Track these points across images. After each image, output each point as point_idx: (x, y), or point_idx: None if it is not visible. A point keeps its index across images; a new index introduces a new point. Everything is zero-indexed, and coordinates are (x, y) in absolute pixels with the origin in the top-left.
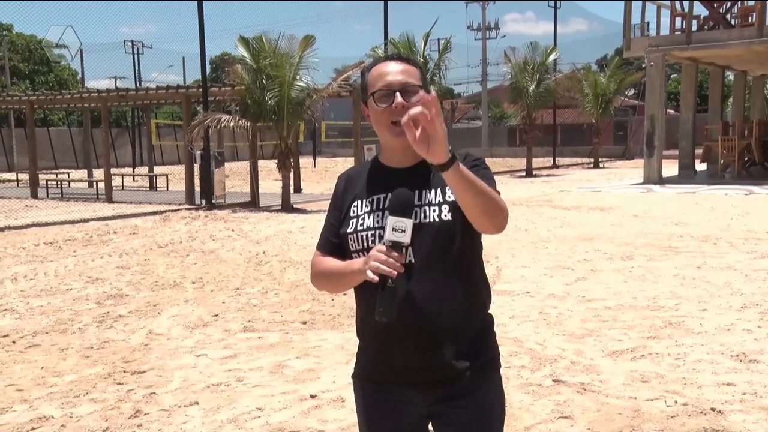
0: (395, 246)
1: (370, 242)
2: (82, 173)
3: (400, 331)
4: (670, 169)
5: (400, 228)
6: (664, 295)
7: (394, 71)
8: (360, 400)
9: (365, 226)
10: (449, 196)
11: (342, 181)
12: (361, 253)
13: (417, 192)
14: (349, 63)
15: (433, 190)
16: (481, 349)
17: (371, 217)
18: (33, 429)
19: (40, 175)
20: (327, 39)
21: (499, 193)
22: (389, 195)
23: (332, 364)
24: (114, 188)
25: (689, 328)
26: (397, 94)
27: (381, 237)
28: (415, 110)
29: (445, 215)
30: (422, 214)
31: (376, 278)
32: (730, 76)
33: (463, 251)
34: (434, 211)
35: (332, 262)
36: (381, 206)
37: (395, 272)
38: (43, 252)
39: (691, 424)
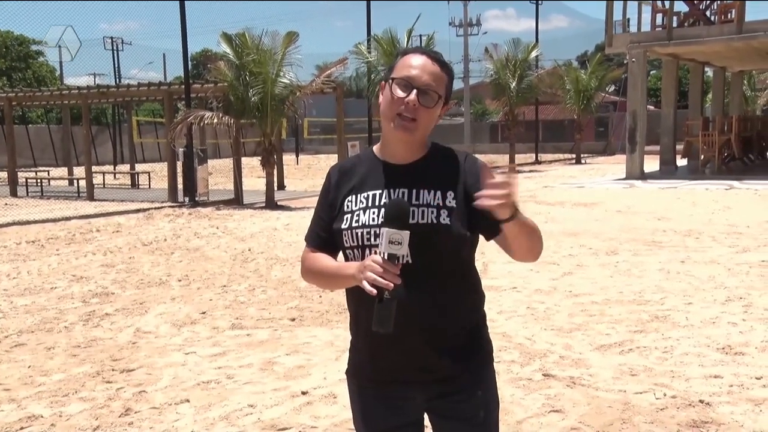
0: (391, 258)
1: (365, 240)
2: (62, 171)
3: (398, 333)
4: (651, 164)
5: (396, 240)
6: (650, 290)
7: (422, 68)
8: (356, 398)
9: (360, 223)
10: (450, 202)
11: (334, 175)
12: (355, 250)
13: (414, 191)
14: (332, 59)
15: (432, 192)
16: (478, 346)
17: (367, 213)
18: (22, 428)
19: (19, 173)
20: (309, 35)
21: None
22: (385, 192)
23: (322, 361)
24: (95, 186)
25: (675, 321)
26: (414, 91)
27: (377, 235)
28: (501, 189)
29: (444, 219)
30: (419, 215)
31: (375, 291)
32: (709, 72)
33: (460, 254)
34: (432, 213)
35: (325, 261)
36: (377, 203)
37: (392, 285)
38: (26, 251)
39: (680, 416)
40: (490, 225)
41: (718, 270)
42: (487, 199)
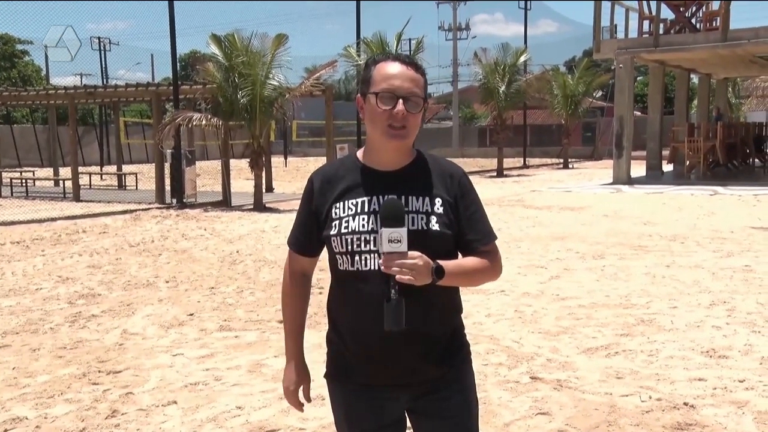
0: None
1: (354, 246)
2: (48, 172)
3: (390, 336)
4: (637, 169)
5: (395, 239)
6: (636, 294)
7: (402, 76)
8: (340, 400)
9: (350, 229)
10: (438, 209)
11: (317, 181)
12: (345, 256)
13: (404, 197)
14: (320, 62)
15: (420, 198)
16: (459, 345)
17: (356, 220)
18: (6, 430)
19: (3, 173)
20: (298, 38)
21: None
22: (374, 198)
23: (310, 363)
24: (81, 187)
25: (661, 325)
26: (400, 101)
27: (367, 241)
28: (400, 276)
29: (433, 225)
30: (410, 221)
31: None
32: (695, 79)
33: (447, 259)
34: (422, 219)
35: (292, 311)
36: (367, 209)
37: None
38: (10, 251)
39: (665, 418)
40: (464, 244)
41: (702, 274)
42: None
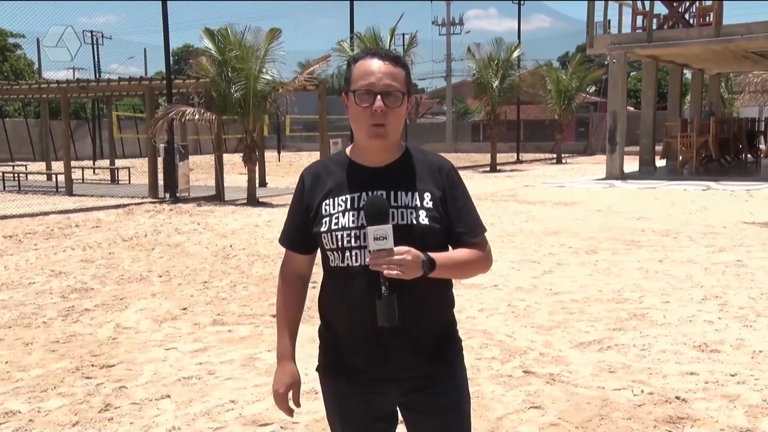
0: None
1: (345, 242)
2: (40, 166)
3: (382, 331)
4: (630, 164)
5: (381, 236)
6: (629, 288)
7: (380, 72)
8: (331, 393)
9: (339, 226)
10: (427, 203)
11: (308, 178)
12: (335, 252)
13: (393, 193)
14: (314, 57)
15: (409, 193)
16: (451, 341)
17: (346, 216)
18: (0, 424)
19: None
20: (292, 32)
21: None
22: (362, 195)
23: (304, 357)
24: (74, 181)
25: (653, 319)
26: (379, 97)
27: (357, 237)
28: (388, 271)
29: (423, 219)
30: (399, 216)
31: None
32: (688, 74)
33: (438, 252)
34: (411, 214)
35: (285, 314)
36: (356, 205)
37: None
38: (2, 245)
39: (657, 412)
40: (454, 237)
41: (695, 269)
42: (385, 269)
